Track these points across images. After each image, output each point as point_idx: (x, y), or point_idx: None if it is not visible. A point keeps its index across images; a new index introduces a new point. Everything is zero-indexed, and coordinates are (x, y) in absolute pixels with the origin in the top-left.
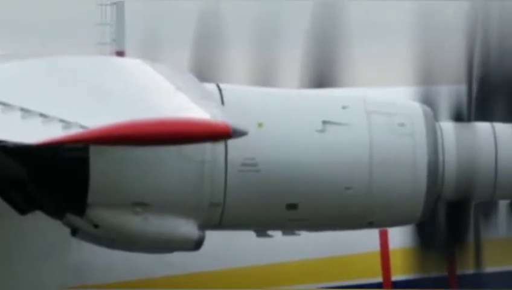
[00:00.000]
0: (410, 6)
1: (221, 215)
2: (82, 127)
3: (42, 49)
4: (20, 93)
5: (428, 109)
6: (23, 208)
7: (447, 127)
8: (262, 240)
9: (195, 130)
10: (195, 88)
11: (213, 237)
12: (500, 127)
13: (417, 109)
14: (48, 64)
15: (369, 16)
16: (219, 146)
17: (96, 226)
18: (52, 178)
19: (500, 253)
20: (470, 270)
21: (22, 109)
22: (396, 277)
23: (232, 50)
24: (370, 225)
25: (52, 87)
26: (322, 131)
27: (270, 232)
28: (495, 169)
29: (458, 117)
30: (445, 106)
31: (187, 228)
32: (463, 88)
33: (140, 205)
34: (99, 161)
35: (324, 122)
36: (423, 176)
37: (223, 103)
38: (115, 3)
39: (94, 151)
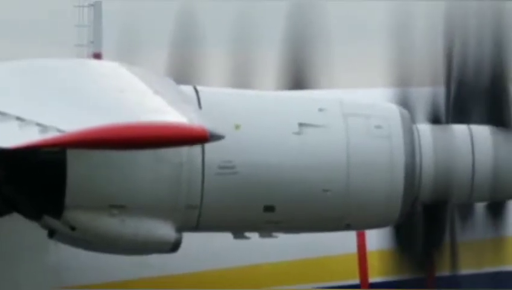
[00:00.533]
0: (388, 8)
1: (198, 218)
2: (59, 130)
3: (18, 50)
4: None
5: (405, 111)
6: (0, 209)
7: (424, 129)
8: (240, 242)
9: (172, 134)
10: (172, 91)
11: (191, 239)
12: (477, 129)
13: (394, 111)
14: (25, 67)
15: (347, 16)
16: (196, 148)
17: (73, 228)
18: (29, 180)
19: (477, 255)
20: (447, 272)
21: None
22: (373, 278)
23: (210, 52)
24: (347, 227)
25: (29, 90)
26: (298, 133)
27: (247, 234)
28: (472, 171)
29: (435, 119)
30: (422, 108)
31: (164, 230)
32: (440, 90)
33: (117, 208)
34: (77, 163)
35: (301, 124)
36: (400, 178)
37: (200, 105)
38: (92, 4)
39: (71, 154)
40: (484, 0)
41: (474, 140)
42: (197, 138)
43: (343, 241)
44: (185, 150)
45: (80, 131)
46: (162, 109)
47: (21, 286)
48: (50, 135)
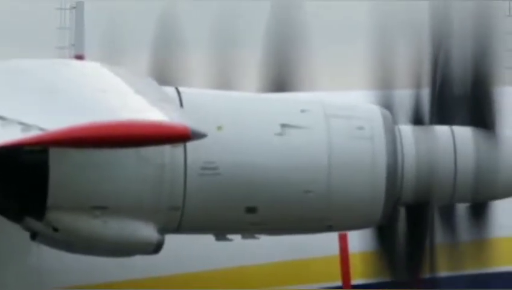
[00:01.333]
0: (371, 8)
1: (180, 219)
2: (41, 129)
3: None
4: None
5: (387, 112)
6: None
7: (406, 130)
8: (224, 244)
9: (154, 132)
10: (153, 91)
11: (175, 240)
12: (459, 130)
13: (376, 112)
14: (6, 67)
15: (330, 17)
16: (178, 149)
17: (55, 229)
18: (11, 181)
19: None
20: (427, 274)
21: None
22: (355, 280)
23: (192, 53)
24: (329, 228)
25: (10, 90)
26: (280, 134)
27: (229, 236)
28: (454, 172)
29: (417, 120)
30: (404, 110)
31: (146, 231)
32: (423, 91)
33: (100, 209)
34: (59, 164)
35: (283, 125)
36: (382, 179)
37: (182, 106)
38: (74, 7)
39: (54, 154)
40: (468, 0)
41: (456, 141)
42: (179, 136)
43: (326, 243)
44: (167, 151)
45: (62, 129)
46: (144, 108)
47: (5, 287)
48: (32, 134)
